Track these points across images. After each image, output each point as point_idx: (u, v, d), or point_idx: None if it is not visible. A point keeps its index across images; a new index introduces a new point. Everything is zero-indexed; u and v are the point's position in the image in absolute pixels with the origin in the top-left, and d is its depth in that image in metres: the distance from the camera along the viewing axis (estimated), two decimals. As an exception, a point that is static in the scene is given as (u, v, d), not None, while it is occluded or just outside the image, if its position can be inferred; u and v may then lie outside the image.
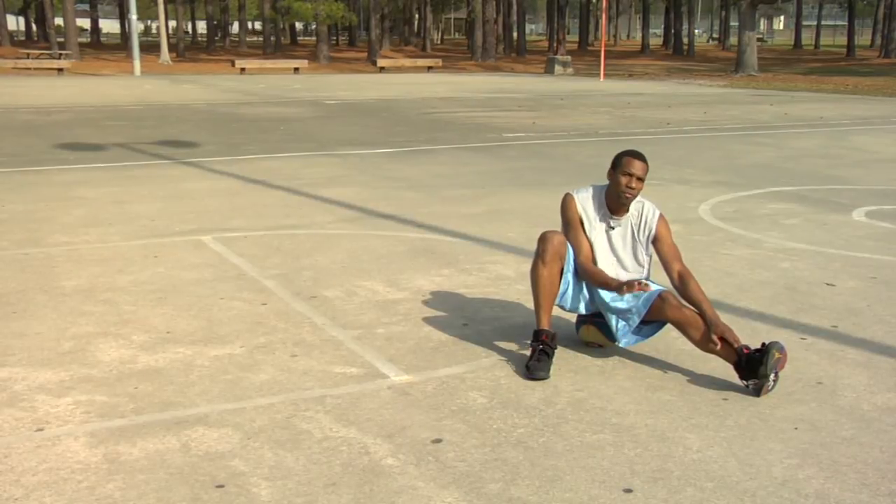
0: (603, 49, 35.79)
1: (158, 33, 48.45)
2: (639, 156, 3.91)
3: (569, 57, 39.49)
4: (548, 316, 3.89)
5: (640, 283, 3.68)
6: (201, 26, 74.73)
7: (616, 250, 4.02)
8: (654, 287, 3.92)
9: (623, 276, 3.98)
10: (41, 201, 7.88)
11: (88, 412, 3.40)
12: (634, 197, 3.92)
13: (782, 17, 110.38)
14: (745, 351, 3.64)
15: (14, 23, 69.47)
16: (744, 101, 21.62)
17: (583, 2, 68.09)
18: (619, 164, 3.91)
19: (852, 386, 3.73)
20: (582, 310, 4.03)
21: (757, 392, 3.58)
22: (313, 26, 57.42)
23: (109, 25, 79.36)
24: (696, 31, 69.04)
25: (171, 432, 3.23)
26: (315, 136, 13.55)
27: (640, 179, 3.88)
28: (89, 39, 62.50)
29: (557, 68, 37.58)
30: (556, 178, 9.44)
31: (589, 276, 3.92)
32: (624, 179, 3.87)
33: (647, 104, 20.47)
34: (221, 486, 2.85)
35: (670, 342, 4.14)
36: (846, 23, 61.16)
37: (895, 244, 6.39)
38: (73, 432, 3.23)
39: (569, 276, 3.92)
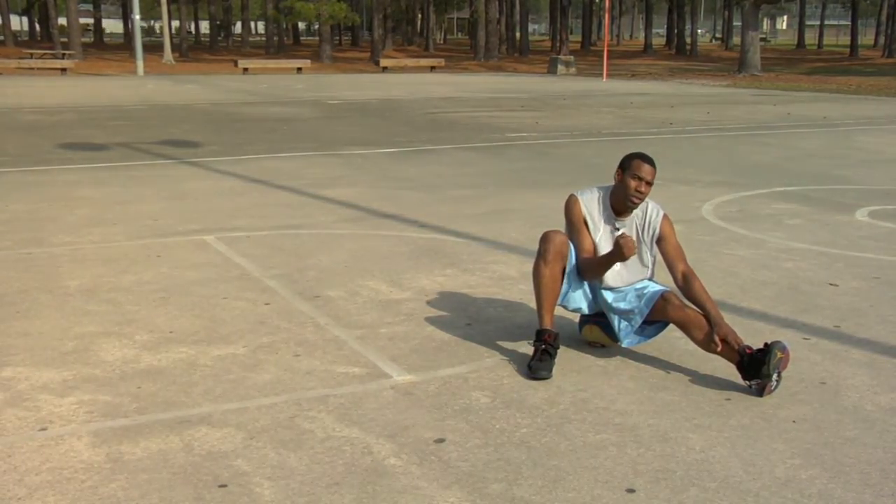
0: (606, 49, 35.77)
1: (161, 33, 48.51)
2: (648, 160, 3.90)
3: (571, 57, 39.46)
4: (550, 316, 3.89)
5: (623, 235, 3.70)
6: (204, 26, 74.76)
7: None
8: (657, 287, 3.93)
9: (625, 277, 3.98)
10: (45, 201, 7.89)
11: (91, 412, 3.41)
12: (642, 201, 3.91)
13: (785, 17, 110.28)
14: (748, 351, 3.63)
15: (17, 23, 69.55)
16: (747, 101, 21.61)
17: (586, 2, 68.04)
18: (629, 166, 3.89)
19: (855, 386, 3.73)
20: (584, 310, 4.03)
21: (760, 392, 3.58)
22: (316, 26, 57.42)
23: (113, 25, 79.45)
24: (699, 30, 68.95)
25: (173, 432, 3.23)
26: (318, 135, 13.56)
27: (649, 184, 3.87)
28: (92, 39, 62.54)
29: (560, 68, 37.56)
30: (559, 178, 9.44)
31: (590, 267, 3.91)
32: (633, 183, 3.86)
33: (650, 104, 20.46)
34: (224, 486, 2.85)
35: (673, 342, 4.14)
36: (849, 23, 61.07)
37: (898, 244, 6.38)
38: (77, 432, 3.23)
39: (571, 275, 3.92)
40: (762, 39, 54.01)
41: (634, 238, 3.98)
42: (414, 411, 3.43)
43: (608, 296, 3.97)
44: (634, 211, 3.99)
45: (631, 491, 2.84)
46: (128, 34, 57.06)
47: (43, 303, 4.82)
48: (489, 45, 48.51)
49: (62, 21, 51.20)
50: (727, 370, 3.78)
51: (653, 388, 3.69)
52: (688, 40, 59.32)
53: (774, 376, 3.57)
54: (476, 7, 50.55)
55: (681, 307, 3.78)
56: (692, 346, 3.87)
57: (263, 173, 9.59)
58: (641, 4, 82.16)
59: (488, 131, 14.18)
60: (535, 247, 3.95)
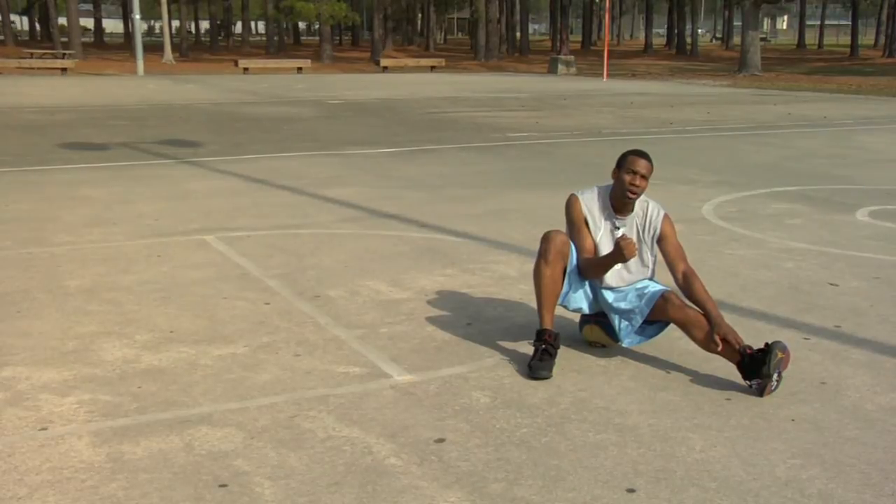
0: (606, 49, 35.74)
1: (162, 33, 48.49)
2: (643, 155, 3.92)
3: (572, 57, 39.46)
4: (550, 315, 3.89)
5: (623, 237, 3.74)
6: (204, 26, 74.76)
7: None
8: (657, 287, 3.93)
9: (626, 277, 3.98)
10: (45, 201, 7.89)
11: (92, 411, 3.41)
12: (638, 195, 3.91)
13: (786, 17, 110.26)
14: (749, 351, 3.64)
15: (18, 22, 69.54)
16: (747, 101, 21.61)
17: (586, 1, 68.03)
18: (624, 162, 3.92)
19: (856, 386, 3.73)
20: (585, 309, 4.03)
21: (760, 392, 3.58)
22: (316, 26, 57.41)
23: (113, 25, 79.41)
24: (700, 30, 68.86)
25: (174, 432, 3.24)
26: (318, 135, 13.56)
27: (645, 178, 3.88)
28: (93, 39, 62.51)
29: (560, 68, 37.55)
30: (560, 177, 9.44)
31: (590, 267, 3.92)
32: (628, 177, 3.88)
33: (651, 104, 20.46)
34: (224, 486, 2.85)
35: (673, 342, 4.14)
36: (850, 22, 61.04)
37: (899, 244, 6.38)
38: (77, 431, 3.23)
39: (572, 275, 3.92)
40: (762, 39, 53.98)
41: (635, 238, 3.98)
42: (414, 411, 3.43)
43: (609, 295, 3.97)
44: (635, 210, 3.99)
45: (631, 491, 2.84)
46: (128, 34, 57.06)
47: (43, 302, 4.82)
48: (489, 45, 48.50)
49: (62, 21, 51.22)
50: (727, 370, 3.78)
51: (653, 388, 3.69)
52: (688, 40, 59.29)
53: (775, 376, 3.57)
54: (476, 7, 50.53)
55: (681, 307, 3.78)
56: (692, 346, 3.87)
57: (264, 173, 9.59)
58: (642, 4, 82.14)
59: (488, 131, 14.18)
60: (536, 247, 3.95)
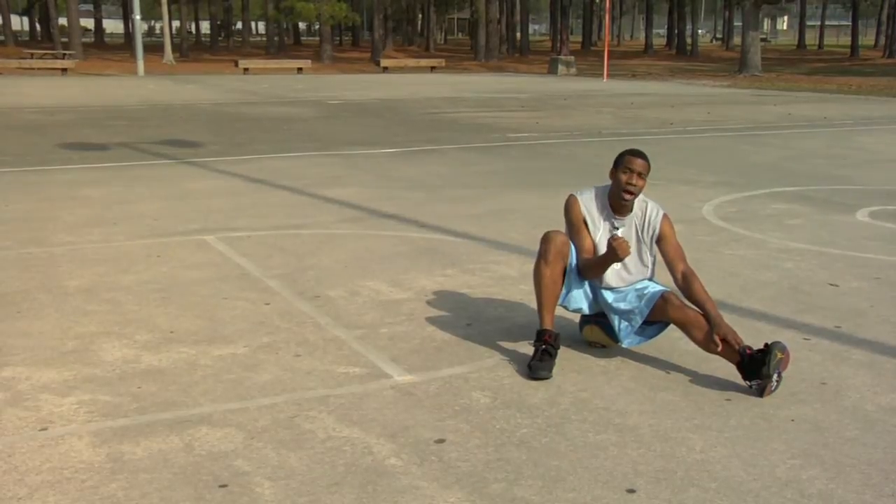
0: (606, 49, 35.74)
1: (162, 33, 48.52)
2: (639, 153, 3.92)
3: (572, 57, 39.47)
4: (550, 316, 3.89)
5: (615, 237, 3.73)
6: (205, 26, 74.77)
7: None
8: (657, 288, 3.93)
9: (626, 277, 3.98)
10: (45, 201, 7.89)
11: (92, 412, 3.41)
12: (636, 194, 3.91)
13: (786, 17, 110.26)
14: (748, 351, 3.63)
15: (18, 23, 69.53)
16: (747, 101, 21.60)
17: (586, 2, 68.04)
18: (620, 162, 3.91)
19: (856, 386, 3.73)
20: (585, 310, 4.03)
21: (760, 392, 3.58)
22: (317, 26, 57.42)
23: (113, 25, 79.41)
24: (700, 31, 68.88)
25: (174, 432, 3.24)
26: (318, 135, 13.56)
27: (642, 177, 3.87)
28: (93, 39, 62.51)
29: (561, 68, 37.56)
30: (560, 178, 9.44)
31: (588, 267, 3.92)
32: (624, 177, 3.87)
33: (651, 104, 20.46)
34: (224, 486, 2.85)
35: (673, 343, 4.13)
36: (850, 23, 61.04)
37: (899, 244, 6.38)
38: (77, 432, 3.23)
39: (572, 275, 3.92)
40: (763, 40, 53.98)
41: (634, 238, 3.98)
42: (414, 411, 3.43)
43: (608, 296, 3.97)
44: (634, 210, 3.99)
45: (631, 491, 2.84)
46: (128, 34, 57.08)
47: (43, 303, 4.82)
48: (490, 46, 48.50)
49: (62, 21, 51.22)
50: (727, 370, 3.78)
51: (653, 388, 3.69)
52: (688, 40, 59.30)
53: (775, 377, 3.57)
54: (476, 7, 50.53)
55: (681, 307, 3.78)
56: (692, 346, 3.86)
57: (264, 173, 9.59)
58: (642, 5, 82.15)
59: (489, 131, 14.18)
60: (536, 247, 3.95)
